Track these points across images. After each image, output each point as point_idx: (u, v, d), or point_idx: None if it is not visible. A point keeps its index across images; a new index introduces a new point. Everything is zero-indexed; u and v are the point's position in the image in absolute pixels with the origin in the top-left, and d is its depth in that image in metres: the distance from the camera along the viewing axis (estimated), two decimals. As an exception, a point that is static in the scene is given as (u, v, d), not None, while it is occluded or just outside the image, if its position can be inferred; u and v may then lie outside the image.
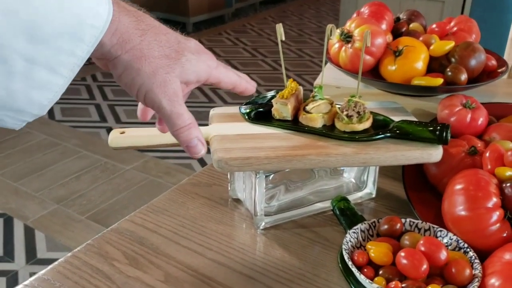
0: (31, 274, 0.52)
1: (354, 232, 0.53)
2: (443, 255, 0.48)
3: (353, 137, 0.56)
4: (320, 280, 0.52)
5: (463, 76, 0.65)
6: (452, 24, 0.76)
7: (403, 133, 0.56)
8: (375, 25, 0.68)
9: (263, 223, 0.60)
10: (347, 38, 0.68)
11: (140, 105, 0.50)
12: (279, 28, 0.59)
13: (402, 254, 0.48)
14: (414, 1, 2.05)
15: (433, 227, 0.54)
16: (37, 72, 0.35)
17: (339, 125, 0.58)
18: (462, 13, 2.07)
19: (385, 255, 0.50)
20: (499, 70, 0.70)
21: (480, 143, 0.61)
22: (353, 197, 0.64)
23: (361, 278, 0.47)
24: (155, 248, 0.57)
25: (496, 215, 0.51)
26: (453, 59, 0.67)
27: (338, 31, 0.69)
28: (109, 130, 2.55)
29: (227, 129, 0.59)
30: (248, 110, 0.62)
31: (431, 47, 0.68)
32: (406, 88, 0.67)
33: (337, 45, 0.69)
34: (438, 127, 0.56)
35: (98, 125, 2.59)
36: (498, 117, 0.67)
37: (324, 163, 0.54)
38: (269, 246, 0.57)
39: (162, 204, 0.64)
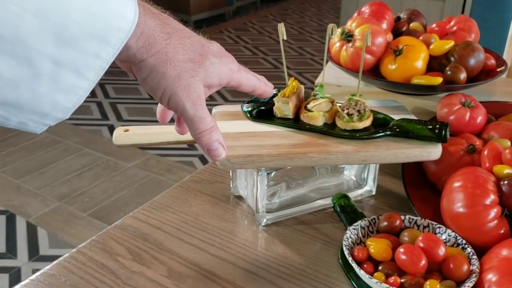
0: (34, 271, 0.53)
1: (354, 229, 0.54)
2: (442, 251, 0.49)
3: (353, 135, 0.57)
4: (320, 276, 0.53)
5: (462, 75, 0.66)
6: (452, 23, 0.77)
7: (403, 131, 0.57)
8: (376, 25, 0.69)
9: (265, 220, 0.61)
10: (348, 37, 0.69)
11: (160, 108, 0.50)
12: (281, 27, 0.60)
13: (401, 250, 0.49)
14: (414, 0, 2.05)
15: (432, 224, 0.55)
16: (63, 74, 0.34)
17: (340, 123, 0.58)
18: (462, 12, 2.07)
19: (385, 251, 0.51)
20: (498, 69, 0.71)
21: (478, 141, 0.61)
22: (353, 195, 0.65)
23: (361, 273, 0.48)
24: (158, 244, 0.58)
25: (493, 212, 0.52)
26: (452, 58, 0.68)
27: (339, 30, 0.70)
28: (110, 127, 2.56)
29: (229, 127, 0.60)
30: (250, 109, 0.62)
31: (431, 47, 0.69)
32: (406, 87, 0.68)
33: (338, 44, 0.70)
34: (437, 126, 0.56)
35: (100, 123, 2.60)
36: (497, 115, 0.67)
37: (325, 161, 0.55)
38: (271, 243, 0.58)
39: (165, 201, 0.65)
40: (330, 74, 0.78)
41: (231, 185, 0.67)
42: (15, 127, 0.37)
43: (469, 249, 0.51)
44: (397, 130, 0.57)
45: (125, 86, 3.02)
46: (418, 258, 0.48)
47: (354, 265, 0.49)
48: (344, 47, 0.69)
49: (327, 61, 0.66)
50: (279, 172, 0.61)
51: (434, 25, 0.76)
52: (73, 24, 0.33)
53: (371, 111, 0.60)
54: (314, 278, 0.53)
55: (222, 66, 0.45)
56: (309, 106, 0.60)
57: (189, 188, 0.68)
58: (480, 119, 0.63)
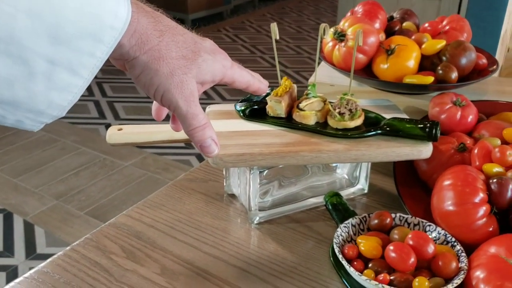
0: (31, 269, 0.54)
1: (345, 227, 0.55)
2: (431, 248, 0.50)
3: (345, 134, 0.58)
4: (312, 273, 0.54)
5: (454, 75, 0.66)
6: (444, 23, 0.77)
7: (394, 130, 0.58)
8: (368, 24, 0.69)
9: (257, 218, 0.62)
10: (340, 37, 0.69)
11: (155, 105, 0.50)
12: (274, 27, 0.61)
13: (391, 247, 0.50)
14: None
15: (422, 222, 0.56)
16: (58, 73, 0.35)
17: (331, 122, 0.59)
18: (459, 11, 2.08)
19: (375, 248, 0.51)
20: (490, 69, 0.71)
21: (469, 140, 0.62)
22: (345, 193, 0.66)
23: (351, 270, 0.49)
24: (151, 242, 0.58)
25: (482, 210, 0.52)
26: (444, 58, 0.69)
27: (332, 30, 0.70)
28: (108, 126, 2.56)
29: (223, 126, 0.60)
30: (243, 108, 0.63)
31: (423, 46, 0.69)
32: (398, 86, 0.69)
33: (331, 44, 0.71)
34: (428, 125, 0.57)
35: (97, 121, 2.60)
36: (488, 114, 0.68)
37: (317, 160, 0.56)
38: (263, 240, 0.59)
39: (159, 199, 0.66)
40: (323, 74, 0.78)
41: (224, 184, 0.67)
42: (12, 125, 0.38)
43: (458, 247, 0.52)
44: (388, 129, 0.58)
45: (122, 84, 3.02)
46: (407, 255, 0.49)
47: (344, 262, 0.49)
48: (337, 46, 0.70)
49: (319, 61, 0.67)
50: (272, 170, 0.62)
51: (426, 25, 0.76)
52: (66, 24, 0.34)
53: (363, 110, 0.60)
54: (306, 276, 0.54)
55: (215, 63, 0.45)
56: (301, 105, 0.61)
57: (183, 186, 0.69)
58: (471, 118, 0.64)
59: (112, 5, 0.36)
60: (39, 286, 0.52)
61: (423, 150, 0.57)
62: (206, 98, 2.89)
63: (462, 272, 0.48)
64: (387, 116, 0.60)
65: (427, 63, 0.70)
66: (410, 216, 0.56)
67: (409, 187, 0.63)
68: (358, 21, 0.69)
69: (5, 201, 1.97)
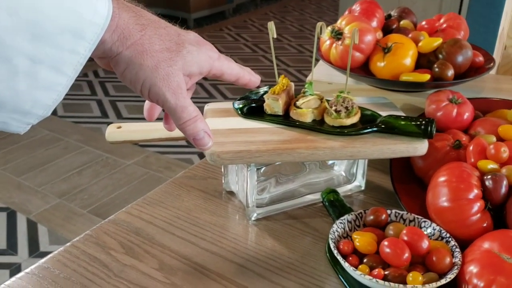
0: (34, 266, 0.55)
1: (341, 223, 0.56)
2: (425, 244, 0.50)
3: (341, 131, 0.58)
4: (308, 268, 0.55)
5: (450, 72, 0.67)
6: (441, 21, 0.78)
7: (390, 128, 0.58)
8: (365, 23, 0.70)
9: (255, 214, 0.62)
10: (337, 35, 0.70)
11: (146, 105, 0.50)
12: (271, 25, 0.61)
13: (385, 243, 0.50)
14: (412, -3, 2.07)
15: (418, 218, 0.56)
16: (41, 71, 0.35)
17: (328, 120, 0.60)
18: (460, 8, 2.08)
19: (370, 244, 0.52)
20: (486, 66, 0.72)
21: (465, 137, 0.63)
22: (343, 190, 0.66)
23: (346, 265, 0.49)
24: (150, 238, 0.59)
25: (477, 206, 0.53)
26: (440, 56, 0.69)
27: (329, 28, 0.71)
28: (110, 125, 2.57)
29: (221, 123, 0.61)
30: (241, 106, 0.64)
31: (420, 44, 0.70)
32: (394, 84, 0.69)
33: (328, 42, 0.71)
34: (423, 122, 0.58)
35: (99, 120, 2.62)
36: (485, 112, 0.68)
37: (313, 157, 0.57)
38: (261, 236, 0.60)
39: (158, 197, 0.67)
40: (322, 72, 0.79)
41: (223, 181, 0.68)
42: None
43: (452, 242, 0.52)
44: (384, 126, 0.58)
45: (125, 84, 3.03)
46: (401, 251, 0.49)
47: (339, 257, 0.50)
48: (334, 45, 0.70)
49: (316, 60, 0.67)
50: (269, 167, 0.63)
51: (424, 23, 0.77)
52: (46, 21, 0.34)
53: (359, 107, 0.61)
54: (301, 271, 0.54)
55: (201, 54, 0.44)
56: (298, 103, 0.61)
57: (182, 184, 0.70)
58: (467, 115, 0.65)
59: (92, 1, 0.36)
60: (39, 281, 0.53)
61: (419, 147, 0.58)
62: (209, 97, 2.90)
63: (456, 267, 0.49)
64: (384, 113, 0.61)
65: (423, 61, 0.70)
66: (405, 212, 0.57)
67: (405, 183, 0.64)
68: (355, 19, 0.70)
69: (8, 199, 1.99)
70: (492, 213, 0.54)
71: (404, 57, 0.68)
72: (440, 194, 0.55)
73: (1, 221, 1.86)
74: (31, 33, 0.33)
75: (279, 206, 0.64)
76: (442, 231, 0.54)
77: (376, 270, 0.49)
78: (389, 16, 0.80)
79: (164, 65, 0.41)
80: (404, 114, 0.61)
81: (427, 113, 0.66)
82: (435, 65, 0.68)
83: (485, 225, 0.53)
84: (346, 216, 0.56)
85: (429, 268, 0.50)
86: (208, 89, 3.00)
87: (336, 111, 0.59)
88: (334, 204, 0.60)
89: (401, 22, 0.77)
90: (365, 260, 0.51)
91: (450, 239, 0.53)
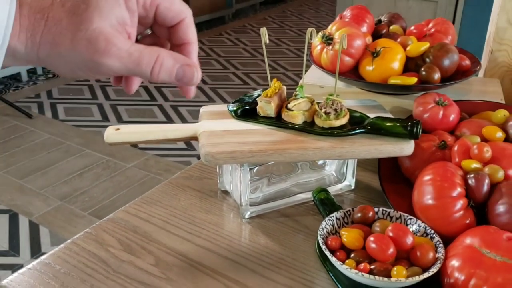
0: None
1: (329, 220, 0.58)
2: (409, 240, 0.53)
3: (331, 132, 0.61)
4: (298, 264, 0.57)
5: (437, 75, 0.69)
6: (430, 26, 0.80)
7: (377, 129, 0.61)
8: (355, 28, 0.72)
9: (248, 213, 0.65)
10: (328, 40, 0.72)
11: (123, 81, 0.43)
12: (264, 31, 0.64)
13: (371, 239, 0.52)
14: (408, 1, 2.09)
15: (404, 216, 0.59)
16: None
17: (318, 121, 0.62)
18: (455, 13, 2.11)
19: (357, 240, 0.54)
20: (473, 70, 0.74)
21: (450, 138, 0.65)
22: (333, 189, 0.69)
23: (333, 260, 0.52)
24: (147, 235, 0.61)
25: (460, 203, 0.55)
26: (427, 59, 0.72)
27: (320, 34, 0.74)
28: (111, 129, 2.60)
29: (215, 125, 0.63)
30: (235, 108, 0.66)
31: (408, 48, 0.72)
32: (383, 87, 0.72)
33: (319, 47, 0.74)
34: (409, 123, 0.60)
35: (100, 124, 2.64)
36: (471, 114, 0.71)
37: (303, 157, 0.59)
38: (254, 234, 0.62)
39: (155, 196, 0.69)
40: (313, 76, 0.82)
41: (218, 181, 0.70)
42: None
43: (436, 238, 0.55)
44: (372, 127, 0.61)
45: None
46: (386, 246, 0.52)
47: (327, 252, 0.52)
48: (325, 49, 0.73)
49: (307, 65, 0.70)
50: (262, 167, 0.65)
51: (412, 28, 0.79)
52: None
53: (348, 109, 0.63)
54: (293, 266, 0.57)
55: None
56: (289, 106, 0.64)
57: (178, 184, 0.72)
58: (453, 117, 0.67)
59: None
60: (41, 276, 0.55)
61: (405, 148, 0.60)
62: (208, 101, 2.92)
63: (439, 261, 0.51)
64: (373, 115, 0.63)
65: (411, 65, 0.73)
66: (392, 210, 0.59)
67: (393, 183, 0.66)
68: (346, 25, 0.72)
69: (11, 202, 2.01)
70: (475, 211, 0.56)
71: (392, 61, 0.70)
72: (425, 192, 0.57)
73: (3, 223, 1.89)
74: None
75: (272, 204, 0.66)
76: (427, 228, 0.56)
77: (362, 264, 0.51)
78: (379, 21, 0.82)
79: (81, 35, 0.34)
80: (392, 116, 0.64)
81: (414, 115, 0.69)
82: (422, 69, 0.70)
83: (468, 221, 0.55)
84: (334, 214, 0.59)
85: (413, 263, 0.52)
86: (208, 93, 3.03)
87: (325, 113, 0.61)
88: (325, 203, 0.63)
89: (391, 27, 0.80)
90: (352, 255, 0.53)
91: (435, 235, 0.55)
